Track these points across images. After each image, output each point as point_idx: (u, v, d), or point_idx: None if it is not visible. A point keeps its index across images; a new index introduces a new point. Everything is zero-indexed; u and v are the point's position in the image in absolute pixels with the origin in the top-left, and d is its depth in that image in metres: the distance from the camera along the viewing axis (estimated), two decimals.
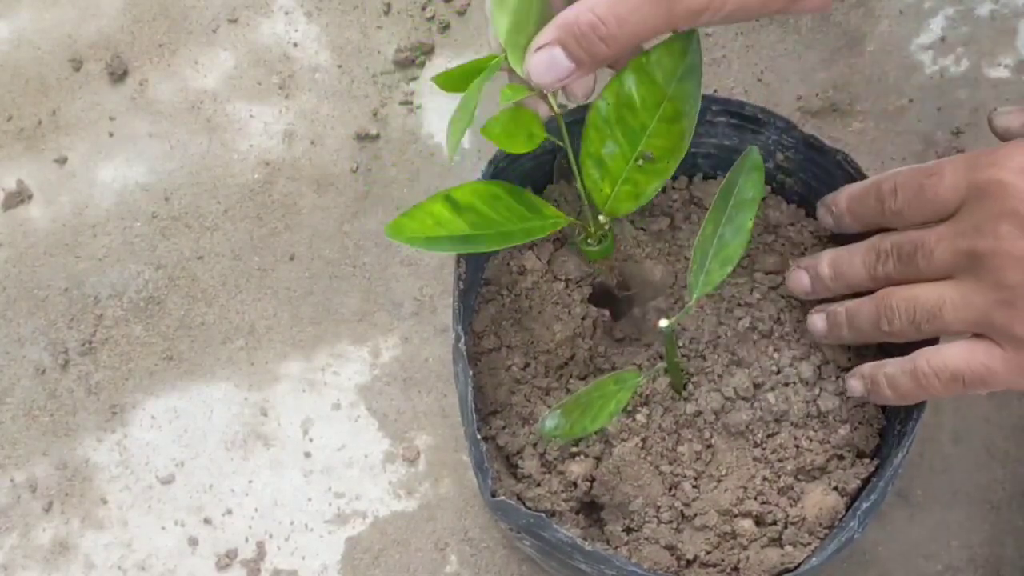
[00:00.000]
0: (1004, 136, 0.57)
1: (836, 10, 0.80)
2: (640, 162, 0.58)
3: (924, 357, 0.55)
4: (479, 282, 0.65)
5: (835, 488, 0.61)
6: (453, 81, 0.55)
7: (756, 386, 0.61)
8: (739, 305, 0.63)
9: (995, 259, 0.51)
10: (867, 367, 0.59)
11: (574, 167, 0.58)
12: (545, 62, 0.53)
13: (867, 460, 0.61)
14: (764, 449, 0.61)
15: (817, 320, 0.61)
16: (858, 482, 0.61)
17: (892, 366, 0.57)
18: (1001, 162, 0.52)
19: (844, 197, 0.60)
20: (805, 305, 0.64)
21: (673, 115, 0.58)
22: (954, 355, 0.54)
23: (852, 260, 0.58)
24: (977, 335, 0.53)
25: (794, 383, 0.62)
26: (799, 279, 0.61)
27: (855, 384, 0.60)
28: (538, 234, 0.57)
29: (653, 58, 0.58)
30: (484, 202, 0.57)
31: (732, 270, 0.55)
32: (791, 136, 0.63)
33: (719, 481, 0.60)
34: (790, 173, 0.65)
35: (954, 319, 0.53)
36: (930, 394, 0.56)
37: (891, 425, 0.62)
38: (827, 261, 0.59)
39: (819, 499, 0.60)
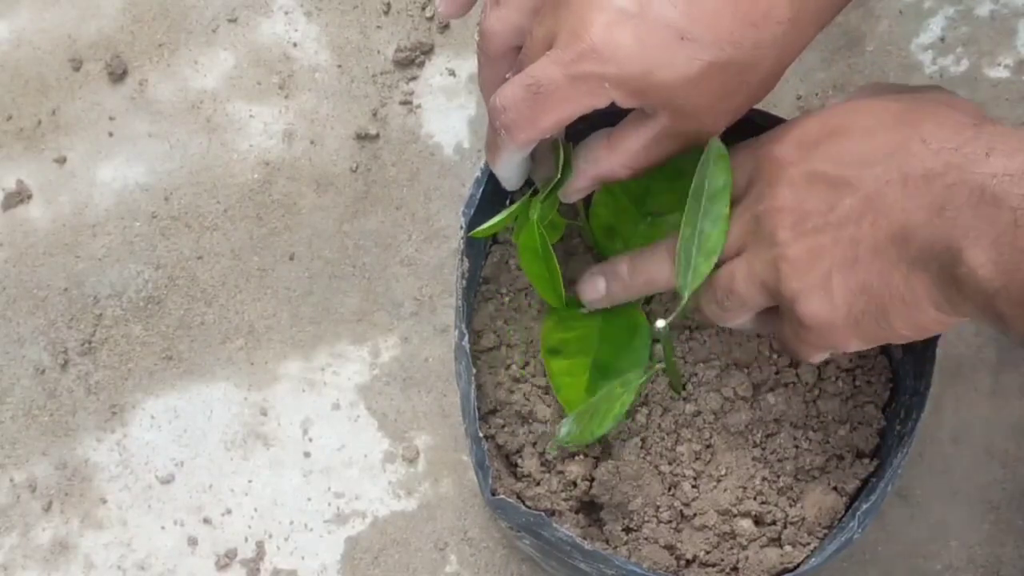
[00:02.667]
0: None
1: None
2: (649, 219, 0.63)
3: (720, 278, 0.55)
4: (478, 280, 0.65)
5: (834, 488, 0.61)
6: (490, 230, 0.59)
7: (755, 386, 0.61)
8: None
9: (771, 218, 0.51)
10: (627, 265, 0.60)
11: (590, 237, 0.64)
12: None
13: (867, 460, 0.61)
14: (764, 449, 0.61)
15: (598, 283, 0.60)
16: (858, 482, 0.61)
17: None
18: (778, 136, 0.53)
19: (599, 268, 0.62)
20: None
21: (674, 174, 0.61)
22: (740, 279, 0.54)
23: (656, 254, 0.58)
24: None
25: (793, 383, 0.62)
26: (592, 286, 0.61)
27: (598, 284, 0.61)
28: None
29: None
30: (562, 330, 0.62)
31: (718, 260, 0.55)
32: None
33: (718, 481, 0.60)
34: None
35: (746, 290, 0.53)
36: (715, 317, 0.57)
37: (891, 425, 0.62)
38: (627, 260, 0.59)
39: (819, 499, 0.60)
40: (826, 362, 0.62)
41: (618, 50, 0.50)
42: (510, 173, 0.57)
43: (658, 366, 0.61)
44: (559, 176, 0.56)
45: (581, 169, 0.57)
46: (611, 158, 0.55)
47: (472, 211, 0.61)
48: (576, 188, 0.57)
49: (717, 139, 0.58)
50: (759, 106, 0.79)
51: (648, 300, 0.64)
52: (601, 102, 0.51)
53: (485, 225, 0.58)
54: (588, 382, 0.61)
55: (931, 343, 0.59)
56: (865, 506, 0.57)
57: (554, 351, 0.62)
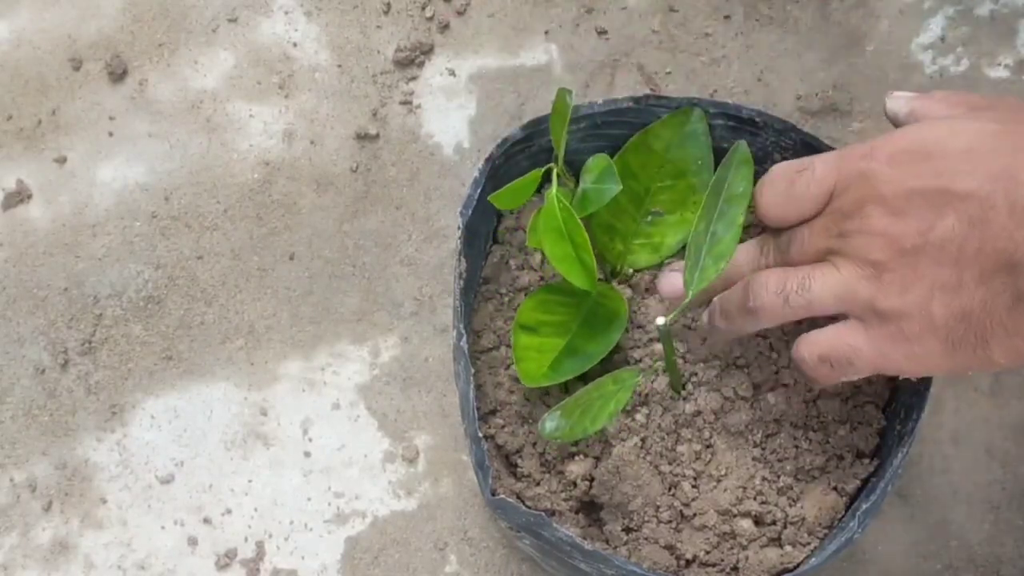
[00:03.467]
0: (891, 119, 0.58)
1: (836, 10, 0.80)
2: (649, 218, 0.64)
3: (798, 342, 0.55)
4: (477, 280, 0.65)
5: (834, 488, 0.61)
6: (507, 198, 0.59)
7: (755, 386, 0.61)
8: None
9: (860, 238, 0.51)
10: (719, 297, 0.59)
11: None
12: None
13: (867, 460, 0.61)
14: (763, 449, 0.61)
15: (675, 280, 0.60)
16: (858, 482, 0.61)
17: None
18: (870, 153, 0.52)
19: (763, 200, 0.60)
20: None
21: (676, 174, 0.63)
22: (823, 337, 0.54)
23: (736, 260, 0.58)
24: (846, 318, 0.53)
25: (793, 383, 0.62)
26: (672, 281, 0.61)
27: (675, 281, 0.60)
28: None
29: (651, 133, 0.62)
30: (542, 312, 0.61)
31: (726, 266, 0.55)
32: (789, 137, 0.63)
33: (718, 481, 0.60)
34: None
35: (822, 290, 0.53)
36: (807, 378, 0.56)
37: (891, 425, 0.62)
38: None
39: (819, 499, 0.60)
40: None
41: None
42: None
43: (658, 365, 0.61)
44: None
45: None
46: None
47: (470, 211, 0.61)
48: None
49: (744, 144, 0.58)
50: (758, 105, 0.79)
51: (645, 296, 0.64)
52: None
53: (505, 189, 0.58)
54: (554, 360, 0.61)
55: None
56: (865, 506, 0.57)
57: (528, 328, 0.61)
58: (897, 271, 0.50)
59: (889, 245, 0.50)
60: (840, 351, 0.53)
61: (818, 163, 0.55)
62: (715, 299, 0.59)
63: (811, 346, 0.54)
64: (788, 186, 0.55)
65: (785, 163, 0.57)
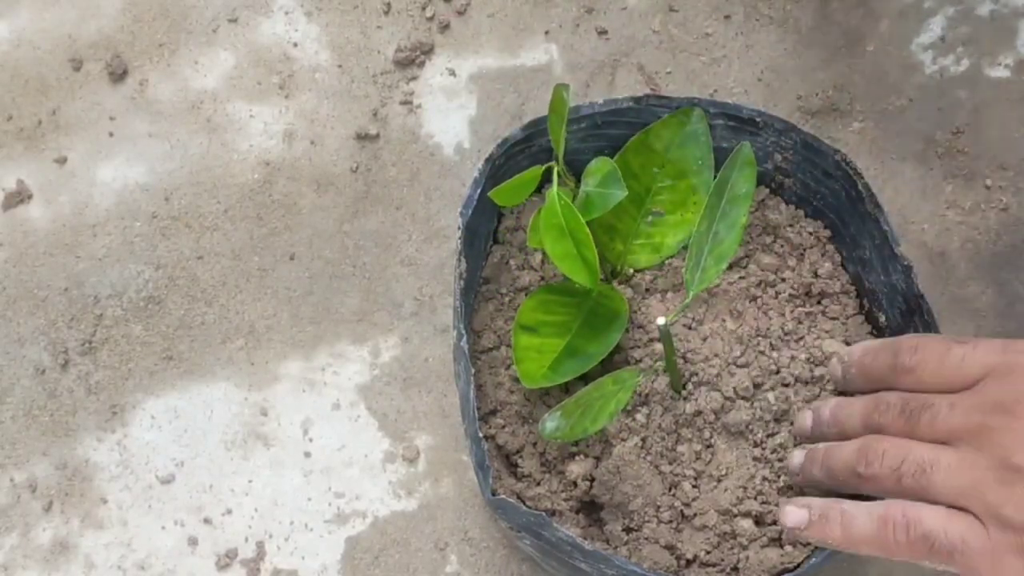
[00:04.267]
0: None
1: (836, 10, 0.80)
2: (649, 219, 0.63)
3: (900, 506, 0.51)
4: (478, 280, 0.65)
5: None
6: (507, 194, 0.59)
7: (756, 386, 0.61)
8: (738, 305, 0.63)
9: (1006, 436, 0.48)
10: (818, 500, 0.55)
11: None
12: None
13: None
14: (764, 449, 0.61)
15: (795, 455, 0.58)
16: None
17: (855, 505, 0.53)
18: None
19: (858, 349, 0.58)
20: (808, 303, 0.64)
21: (676, 174, 0.63)
22: (934, 515, 0.50)
23: (852, 407, 0.56)
24: (960, 508, 0.50)
25: (793, 383, 0.62)
26: (803, 419, 0.59)
27: (795, 513, 0.56)
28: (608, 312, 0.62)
29: (652, 133, 0.62)
30: (542, 312, 0.61)
31: (727, 266, 0.55)
32: (789, 137, 0.63)
33: (719, 481, 0.60)
34: (789, 174, 0.65)
35: (944, 481, 0.50)
36: (887, 547, 0.51)
37: None
38: (831, 404, 0.58)
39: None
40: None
41: None
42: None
43: (658, 365, 0.61)
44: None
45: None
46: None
47: (470, 211, 0.61)
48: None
49: (747, 145, 0.58)
50: (760, 103, 0.79)
51: (646, 294, 0.64)
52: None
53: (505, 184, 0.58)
54: (554, 361, 0.60)
55: None
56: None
57: (528, 328, 0.61)
58: None
59: None
60: (950, 541, 0.49)
61: (982, 343, 0.52)
62: (820, 447, 0.56)
63: (917, 517, 0.50)
64: (943, 352, 0.52)
65: (939, 335, 0.55)
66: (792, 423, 0.60)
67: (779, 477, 0.61)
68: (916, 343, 0.54)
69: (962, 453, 0.50)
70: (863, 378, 0.57)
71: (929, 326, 0.60)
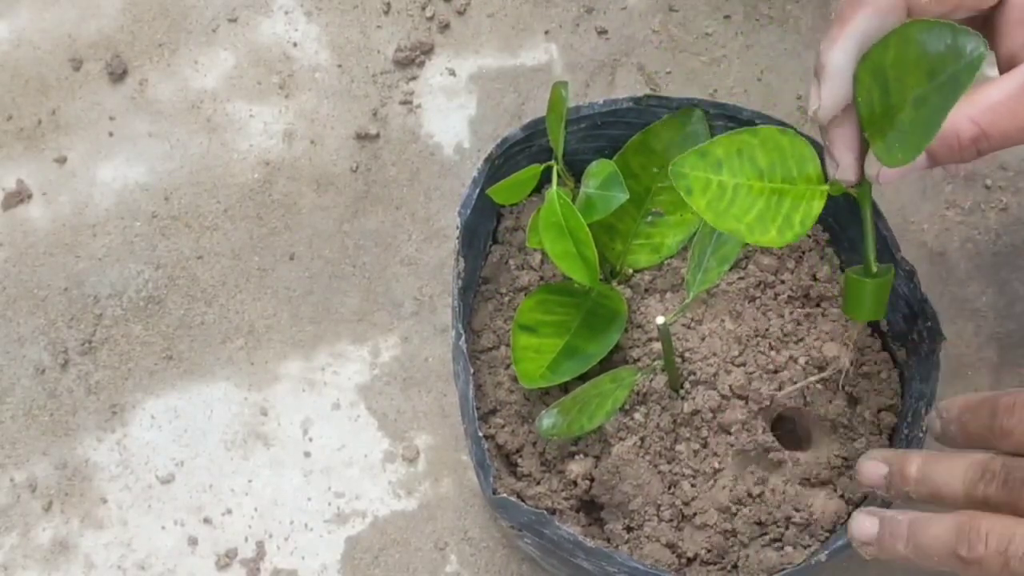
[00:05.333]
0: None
1: (836, 10, 0.80)
2: (649, 219, 0.63)
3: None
4: (477, 280, 0.65)
5: (840, 496, 0.61)
6: (505, 192, 0.59)
7: (752, 385, 0.61)
8: (737, 305, 0.63)
9: None
10: (910, 519, 0.50)
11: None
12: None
13: None
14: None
15: (865, 523, 0.52)
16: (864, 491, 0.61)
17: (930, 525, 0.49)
18: None
19: (958, 405, 0.52)
20: (807, 305, 0.64)
21: None
22: None
23: (952, 470, 0.50)
24: None
25: (792, 383, 0.62)
26: (874, 470, 0.53)
27: (866, 525, 0.51)
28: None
29: (652, 133, 0.62)
30: (541, 312, 0.61)
31: (730, 268, 0.55)
32: None
33: (717, 480, 0.60)
34: None
35: (997, 549, 0.46)
36: None
37: (898, 428, 0.62)
38: (918, 462, 0.52)
39: (822, 503, 0.60)
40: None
41: None
42: (843, 58, 0.45)
43: (656, 364, 0.61)
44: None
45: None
46: (961, 110, 0.45)
47: (468, 211, 0.61)
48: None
49: None
50: (760, 103, 0.79)
51: (645, 295, 0.64)
52: None
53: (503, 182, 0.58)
54: (552, 361, 0.60)
55: (934, 348, 0.59)
56: (870, 508, 0.56)
57: (527, 328, 0.61)
58: None
59: None
60: None
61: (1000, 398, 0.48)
62: (902, 520, 0.51)
63: None
64: None
65: None
66: (859, 482, 0.55)
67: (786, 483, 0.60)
68: (1013, 401, 0.49)
69: None
70: (963, 437, 0.52)
71: (932, 330, 0.60)
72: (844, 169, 0.48)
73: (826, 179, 0.50)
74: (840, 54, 0.45)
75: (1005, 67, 0.44)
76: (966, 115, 0.45)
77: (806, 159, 0.49)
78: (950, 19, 0.44)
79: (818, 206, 0.50)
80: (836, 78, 0.46)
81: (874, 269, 0.54)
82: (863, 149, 0.47)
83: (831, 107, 0.47)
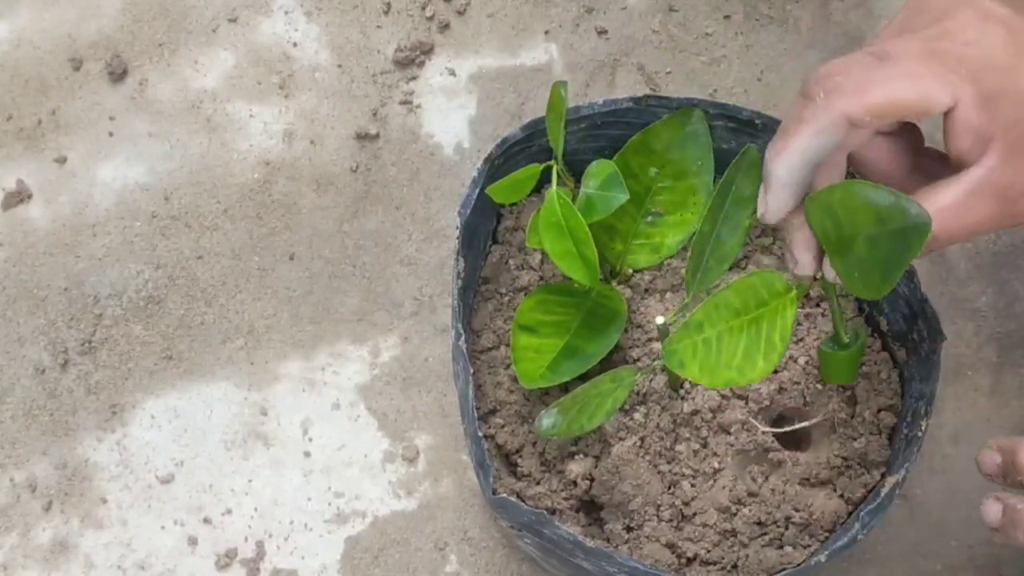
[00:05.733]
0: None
1: (836, 10, 0.80)
2: (649, 219, 0.63)
3: None
4: (477, 280, 0.65)
5: (840, 495, 0.60)
6: (505, 191, 0.58)
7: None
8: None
9: None
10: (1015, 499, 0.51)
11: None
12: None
13: (876, 471, 0.61)
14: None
15: (992, 508, 0.52)
16: (863, 490, 0.61)
17: None
18: None
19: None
20: (807, 305, 0.64)
21: (676, 174, 0.63)
22: None
23: None
24: None
25: (791, 383, 0.62)
26: (989, 460, 0.53)
27: (992, 510, 0.51)
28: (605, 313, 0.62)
29: (652, 133, 0.62)
30: (541, 312, 0.61)
31: (729, 268, 0.55)
32: None
33: (717, 480, 0.60)
34: None
35: None
36: None
37: (898, 428, 0.62)
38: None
39: (822, 503, 0.60)
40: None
41: (987, 38, 0.44)
42: (788, 171, 0.48)
43: (656, 364, 0.61)
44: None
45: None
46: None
47: (468, 211, 0.61)
48: None
49: (754, 148, 0.58)
50: (760, 103, 0.79)
51: (645, 295, 0.64)
52: (943, 97, 0.43)
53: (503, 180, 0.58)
54: (552, 361, 0.60)
55: (934, 348, 0.59)
56: (870, 507, 0.57)
57: (527, 328, 0.61)
58: None
59: None
60: None
61: None
62: (1021, 507, 0.51)
63: None
64: None
65: None
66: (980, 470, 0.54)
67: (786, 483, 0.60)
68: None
69: None
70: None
71: (932, 330, 0.60)
72: (803, 267, 0.50)
73: (794, 280, 0.53)
74: (783, 169, 0.47)
75: (955, 166, 0.46)
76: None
77: (773, 280, 0.51)
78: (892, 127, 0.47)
79: (792, 314, 0.52)
80: (780, 191, 0.48)
81: (845, 340, 0.56)
82: (821, 248, 0.50)
83: (776, 212, 0.49)
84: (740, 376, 0.51)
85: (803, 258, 0.50)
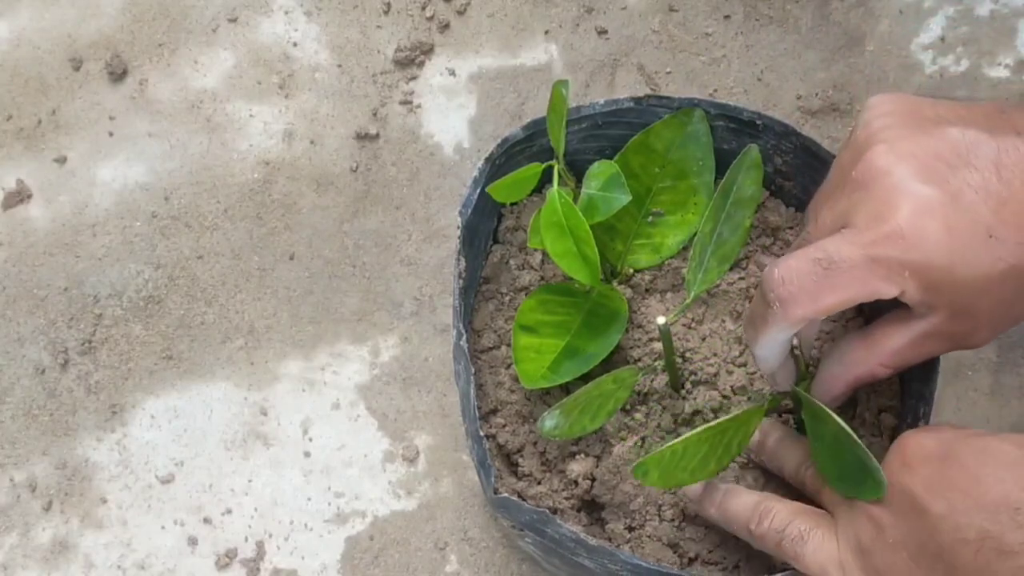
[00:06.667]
0: None
1: (836, 10, 0.80)
2: (650, 219, 0.63)
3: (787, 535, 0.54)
4: (478, 280, 0.65)
5: None
6: (506, 190, 0.58)
7: (752, 385, 0.61)
8: (737, 305, 0.63)
9: (860, 510, 0.51)
10: (726, 488, 0.58)
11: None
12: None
13: None
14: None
15: (694, 485, 0.58)
16: None
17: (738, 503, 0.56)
18: (898, 442, 0.51)
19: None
20: None
21: (677, 174, 0.63)
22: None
23: (789, 455, 0.58)
24: None
25: None
26: (693, 486, 0.59)
27: (695, 486, 0.58)
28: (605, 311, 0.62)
29: (653, 133, 0.62)
30: (542, 312, 0.61)
31: (730, 268, 0.55)
32: (789, 141, 0.63)
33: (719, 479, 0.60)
34: (788, 177, 0.65)
35: (812, 556, 0.52)
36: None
37: (899, 428, 0.62)
38: (774, 439, 0.59)
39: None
40: None
41: (925, 238, 0.47)
42: (770, 353, 0.54)
43: (657, 364, 0.61)
44: (797, 386, 0.56)
45: (835, 374, 0.55)
46: (870, 359, 0.53)
47: (469, 211, 0.61)
48: (833, 396, 0.55)
49: (755, 148, 0.58)
50: (760, 103, 0.79)
51: (646, 294, 0.64)
52: (891, 290, 0.48)
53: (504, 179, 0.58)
54: (553, 362, 0.60)
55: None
56: None
57: (527, 328, 0.61)
58: (881, 566, 0.50)
59: (875, 535, 0.50)
60: None
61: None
62: (720, 488, 0.58)
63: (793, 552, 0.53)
64: None
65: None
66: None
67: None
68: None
69: (835, 524, 0.52)
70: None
71: None
72: (783, 385, 0.57)
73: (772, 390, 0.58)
74: (766, 351, 0.54)
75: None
76: (878, 362, 0.52)
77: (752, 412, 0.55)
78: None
79: (755, 423, 0.55)
80: (767, 362, 0.55)
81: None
82: (798, 372, 0.57)
83: (769, 372, 0.56)
84: (691, 477, 0.54)
85: (785, 385, 0.57)
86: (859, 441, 0.51)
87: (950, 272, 0.48)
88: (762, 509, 0.54)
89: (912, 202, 0.47)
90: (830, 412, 0.52)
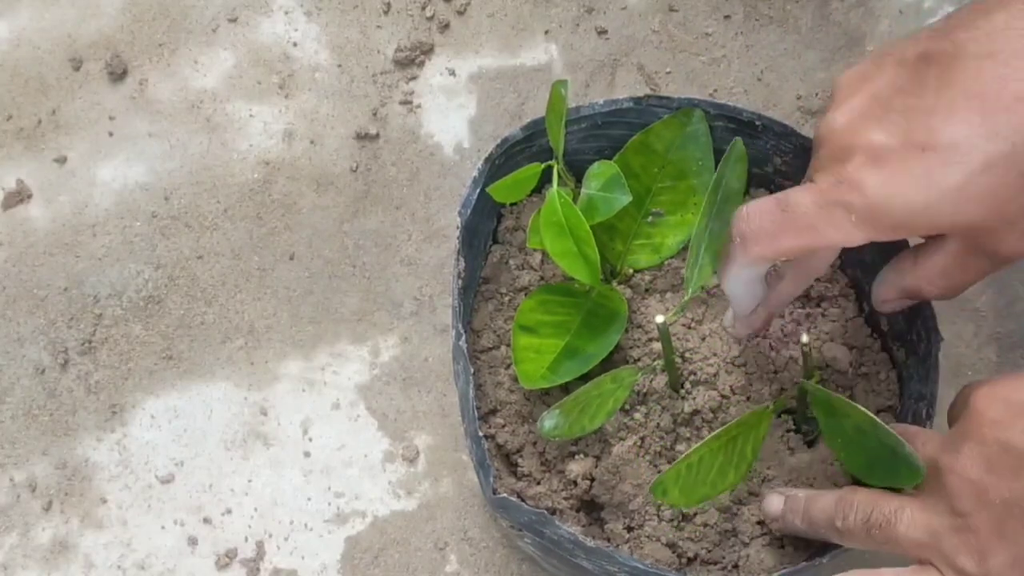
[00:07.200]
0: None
1: (836, 10, 0.80)
2: (650, 219, 0.63)
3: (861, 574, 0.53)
4: (477, 280, 0.65)
5: None
6: (505, 191, 0.59)
7: (753, 385, 0.61)
8: None
9: (951, 477, 0.50)
10: (807, 495, 0.57)
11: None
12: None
13: None
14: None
15: (773, 500, 0.59)
16: None
17: (826, 502, 0.55)
18: (990, 387, 0.50)
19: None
20: (807, 305, 0.64)
21: (677, 174, 0.63)
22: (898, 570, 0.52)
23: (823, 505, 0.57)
24: (923, 562, 0.51)
25: (791, 384, 0.62)
26: (773, 503, 0.59)
27: (774, 503, 0.58)
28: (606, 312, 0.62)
29: (653, 133, 0.62)
30: (541, 312, 0.61)
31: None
32: (788, 141, 0.63)
33: None
34: (788, 177, 0.65)
35: (905, 533, 0.51)
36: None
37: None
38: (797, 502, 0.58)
39: None
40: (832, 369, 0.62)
41: (865, 181, 0.49)
42: (737, 290, 0.56)
43: (656, 364, 0.61)
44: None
45: (889, 280, 0.56)
46: (916, 273, 0.54)
47: (468, 211, 0.61)
48: (883, 299, 0.57)
49: (740, 142, 0.58)
50: (760, 103, 0.79)
51: (647, 293, 0.64)
52: (847, 238, 0.50)
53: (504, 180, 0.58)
54: (553, 362, 0.60)
55: (933, 348, 0.59)
56: None
57: (527, 329, 0.61)
58: (986, 530, 0.48)
59: (977, 495, 0.48)
60: None
61: (961, 393, 0.54)
62: (800, 496, 0.57)
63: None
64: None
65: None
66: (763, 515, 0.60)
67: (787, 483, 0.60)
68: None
69: (923, 501, 0.51)
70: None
71: (930, 330, 0.60)
72: (739, 331, 0.61)
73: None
74: (731, 286, 0.56)
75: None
76: (923, 275, 0.54)
77: (759, 414, 0.56)
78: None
79: (766, 426, 0.56)
80: (735, 299, 0.58)
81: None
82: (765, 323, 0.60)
83: (742, 312, 0.59)
84: (712, 490, 0.55)
85: (742, 331, 0.61)
86: (887, 427, 0.50)
87: (899, 206, 0.49)
88: (844, 504, 0.54)
89: (861, 154, 0.50)
90: (849, 401, 0.52)
